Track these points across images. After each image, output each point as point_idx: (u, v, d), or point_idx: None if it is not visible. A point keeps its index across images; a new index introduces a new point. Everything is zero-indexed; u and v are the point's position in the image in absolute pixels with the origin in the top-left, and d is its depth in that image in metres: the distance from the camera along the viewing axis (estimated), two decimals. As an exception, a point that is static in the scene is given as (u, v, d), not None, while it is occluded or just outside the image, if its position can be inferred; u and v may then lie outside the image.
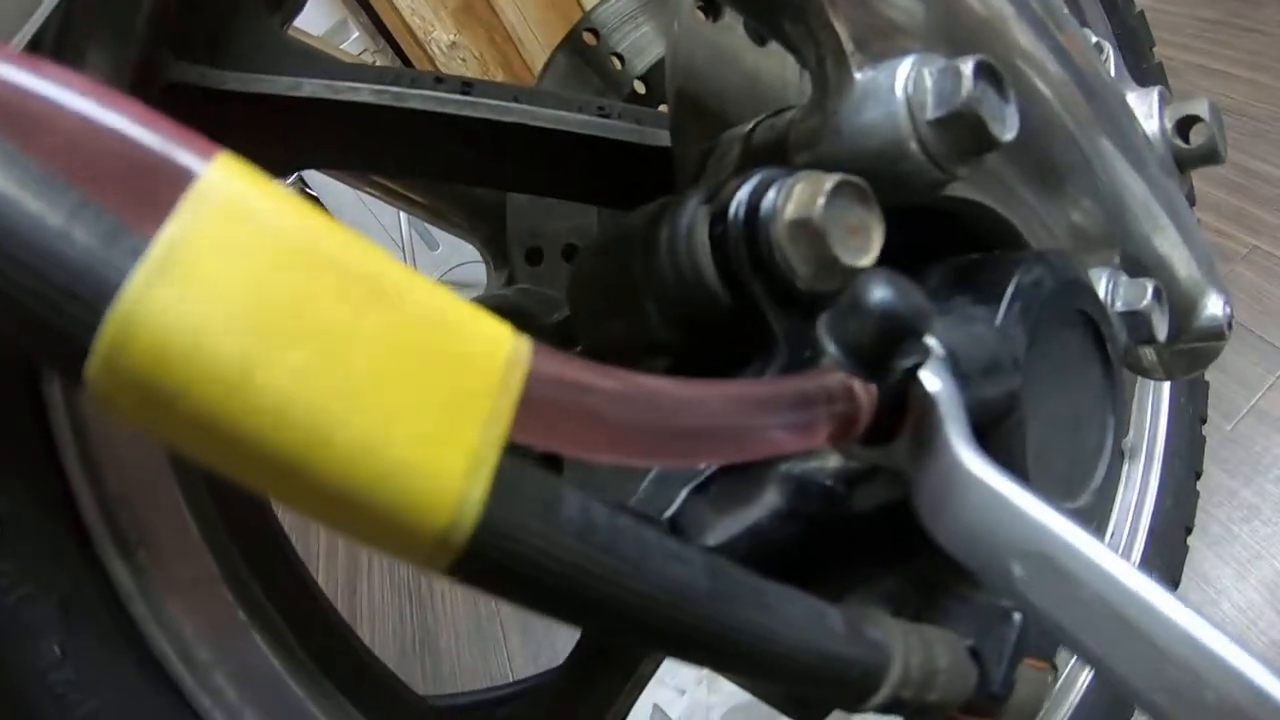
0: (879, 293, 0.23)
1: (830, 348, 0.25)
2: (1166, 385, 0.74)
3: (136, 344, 0.14)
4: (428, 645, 0.99)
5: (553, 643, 0.96)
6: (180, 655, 0.36)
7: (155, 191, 0.16)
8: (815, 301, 0.28)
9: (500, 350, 0.18)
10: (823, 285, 0.28)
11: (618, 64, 0.64)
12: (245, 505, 0.41)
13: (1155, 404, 0.74)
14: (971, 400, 0.27)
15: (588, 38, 0.64)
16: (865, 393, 0.25)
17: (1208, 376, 0.77)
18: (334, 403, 0.16)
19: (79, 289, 0.14)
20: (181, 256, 0.15)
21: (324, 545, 1.19)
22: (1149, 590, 0.21)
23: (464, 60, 1.43)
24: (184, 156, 0.16)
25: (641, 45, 0.64)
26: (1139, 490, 0.72)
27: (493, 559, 0.17)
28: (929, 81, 0.32)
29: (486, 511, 0.17)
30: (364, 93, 0.46)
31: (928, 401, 0.25)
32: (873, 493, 0.29)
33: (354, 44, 1.54)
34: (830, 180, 0.27)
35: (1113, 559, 0.21)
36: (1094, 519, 0.38)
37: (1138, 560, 0.70)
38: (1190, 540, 0.75)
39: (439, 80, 0.48)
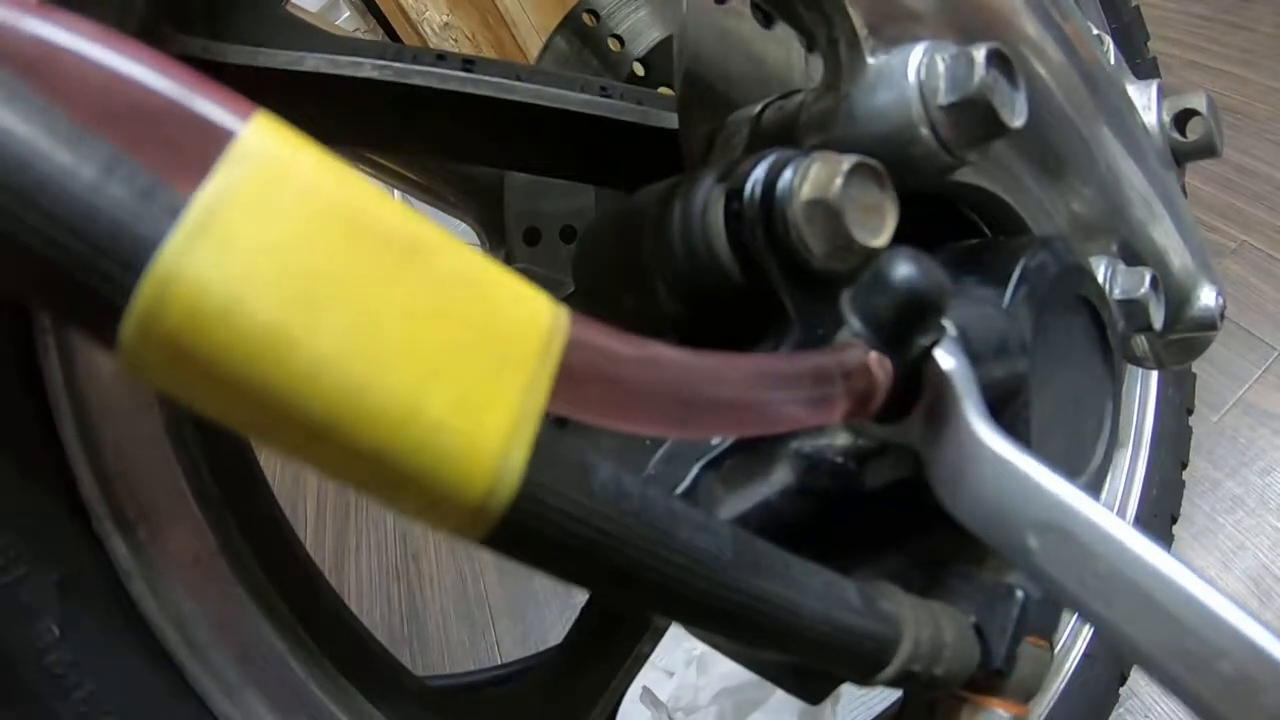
0: (904, 269, 0.24)
1: (854, 322, 0.25)
2: (1155, 375, 0.75)
3: (174, 304, 0.14)
4: (416, 627, 0.98)
5: (541, 625, 0.96)
6: (180, 635, 0.36)
7: (191, 151, 0.15)
8: (829, 280, 0.29)
9: (540, 317, 0.18)
10: (838, 264, 0.28)
11: (617, 46, 0.64)
12: (241, 479, 0.41)
13: (1143, 394, 0.75)
14: (981, 380, 0.27)
15: (587, 19, 0.64)
16: (882, 369, 0.25)
17: (1195, 368, 0.78)
18: (371, 366, 0.16)
19: (116, 247, 0.14)
20: (220, 217, 0.15)
21: (311, 524, 1.18)
22: (1163, 562, 0.21)
23: (456, 41, 1.41)
24: (222, 115, 0.15)
25: (641, 27, 0.64)
26: (1126, 478, 0.74)
27: (531, 526, 0.17)
28: (941, 67, 0.32)
29: (526, 478, 0.17)
30: (366, 68, 0.45)
31: (942, 379, 0.26)
32: (882, 470, 0.29)
33: (345, 24, 1.52)
34: (847, 161, 0.28)
35: (1128, 531, 0.22)
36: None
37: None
38: (1175, 530, 0.76)
39: (441, 57, 0.47)
